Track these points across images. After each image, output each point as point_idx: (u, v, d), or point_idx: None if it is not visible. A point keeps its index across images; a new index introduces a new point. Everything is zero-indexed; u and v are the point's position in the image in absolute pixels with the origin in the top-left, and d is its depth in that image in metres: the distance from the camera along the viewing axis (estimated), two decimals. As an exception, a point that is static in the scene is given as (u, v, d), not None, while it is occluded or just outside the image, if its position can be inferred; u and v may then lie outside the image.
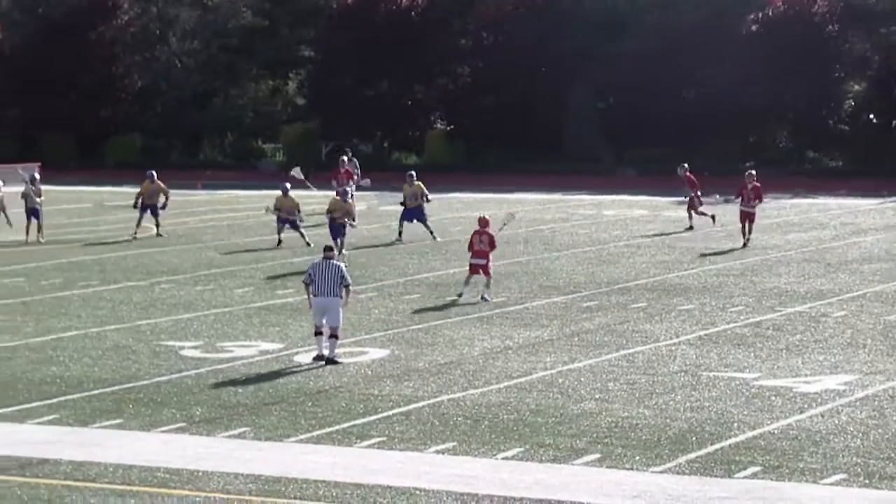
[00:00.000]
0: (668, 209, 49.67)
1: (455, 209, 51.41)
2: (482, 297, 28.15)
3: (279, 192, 38.94)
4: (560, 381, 20.45)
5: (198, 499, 14.72)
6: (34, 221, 39.69)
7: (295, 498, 14.73)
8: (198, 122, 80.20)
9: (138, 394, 19.72)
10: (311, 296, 22.12)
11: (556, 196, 56.46)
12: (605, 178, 63.82)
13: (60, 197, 52.45)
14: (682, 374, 20.91)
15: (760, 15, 70.11)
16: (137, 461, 16.13)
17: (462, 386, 20.13)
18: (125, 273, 32.85)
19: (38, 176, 40.67)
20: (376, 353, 22.62)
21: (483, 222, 29.42)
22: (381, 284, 30.78)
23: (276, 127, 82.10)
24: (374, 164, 75.03)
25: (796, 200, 53.09)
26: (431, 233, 39.76)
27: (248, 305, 27.79)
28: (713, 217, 41.96)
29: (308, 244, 37.28)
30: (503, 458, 16.29)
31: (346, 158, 47.15)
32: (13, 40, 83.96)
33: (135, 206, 41.15)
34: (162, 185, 41.49)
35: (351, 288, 22.51)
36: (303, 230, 38.26)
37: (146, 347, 23.29)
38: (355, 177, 46.79)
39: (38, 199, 39.71)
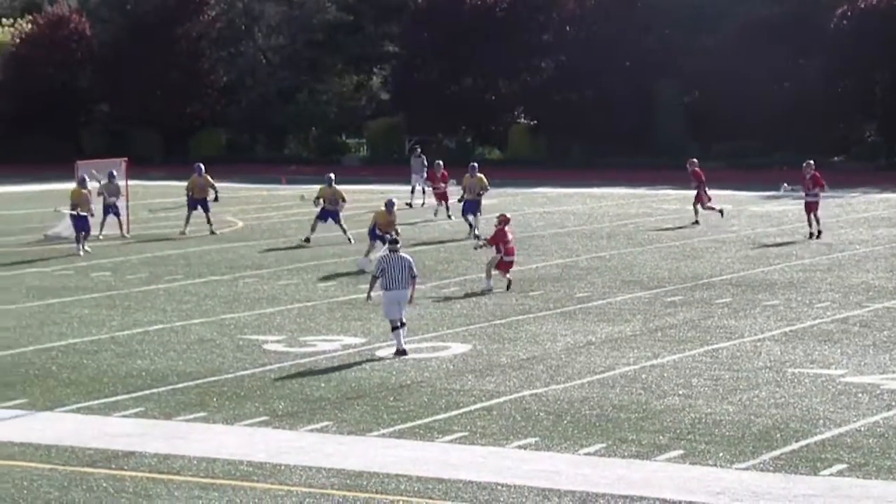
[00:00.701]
0: (753, 204, 49.30)
1: (539, 204, 51.31)
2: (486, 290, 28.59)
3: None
4: (643, 376, 20.33)
5: (280, 492, 14.77)
6: (112, 218, 39.87)
7: (377, 492, 14.74)
8: (282, 117, 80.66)
9: (222, 387, 19.83)
10: (382, 290, 22.16)
11: (640, 191, 56.19)
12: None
13: (146, 192, 52.95)
14: (767, 370, 20.71)
15: (850, 8, 69.27)
16: (221, 454, 16.22)
17: (544, 381, 20.07)
18: (210, 267, 33.08)
19: (115, 173, 40.77)
20: (458, 348, 22.60)
21: (506, 220, 29.70)
22: (463, 279, 30.76)
23: (359, 122, 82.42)
24: (457, 159, 75.19)
25: (885, 195, 52.47)
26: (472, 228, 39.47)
27: (331, 300, 27.87)
28: (721, 211, 41.99)
29: (349, 240, 37.17)
30: (585, 454, 16.21)
31: (440, 162, 47.07)
32: (102, 38, 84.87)
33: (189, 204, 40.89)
34: (209, 178, 41.01)
35: (417, 280, 22.55)
36: (344, 225, 38.03)
37: (230, 341, 23.42)
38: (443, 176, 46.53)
39: (112, 198, 39.83)
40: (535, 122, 77.86)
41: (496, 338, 23.53)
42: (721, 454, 16.09)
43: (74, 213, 36.91)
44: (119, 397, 19.30)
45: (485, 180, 40.86)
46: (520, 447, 16.52)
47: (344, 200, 38.51)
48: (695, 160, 43.15)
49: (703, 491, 14.75)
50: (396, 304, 22.03)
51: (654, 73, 71.64)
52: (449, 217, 44.03)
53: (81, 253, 35.76)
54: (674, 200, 51.03)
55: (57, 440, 16.93)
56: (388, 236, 30.50)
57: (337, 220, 38.07)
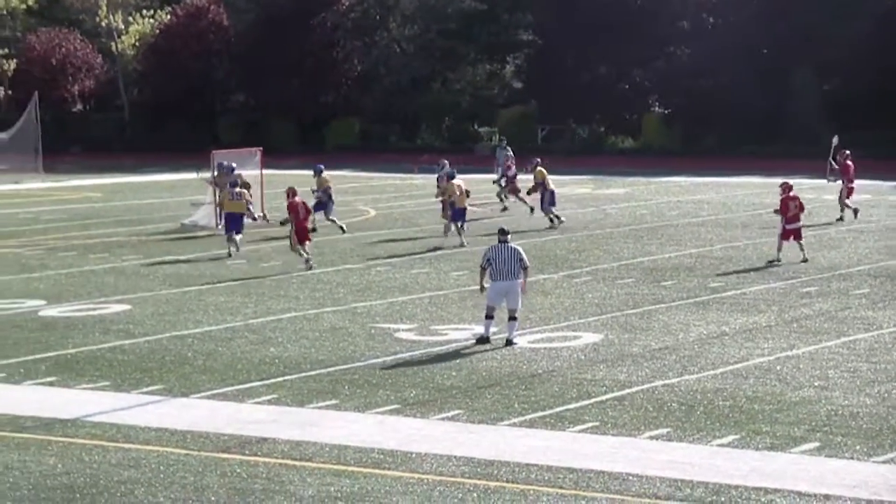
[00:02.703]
0: (892, 194, 48.41)
1: (673, 193, 50.89)
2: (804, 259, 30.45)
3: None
4: (777, 367, 20.05)
5: (411, 480, 14.80)
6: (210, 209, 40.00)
7: (508, 481, 14.71)
8: (415, 106, 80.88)
9: (353, 375, 19.93)
10: (490, 280, 22.12)
11: (776, 179, 55.35)
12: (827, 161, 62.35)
13: (281, 180, 53.38)
14: (906, 362, 20.32)
15: None
16: (352, 442, 16.30)
17: (677, 371, 19.88)
18: (342, 256, 33.27)
19: (234, 165, 40.76)
20: (590, 338, 22.47)
21: (788, 188, 31.67)
22: (595, 268, 30.60)
23: (492, 110, 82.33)
24: (589, 148, 74.88)
25: None
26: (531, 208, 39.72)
27: (462, 289, 27.87)
28: (856, 211, 39.83)
29: (342, 230, 37.63)
30: (718, 445, 16.02)
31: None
32: (238, 28, 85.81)
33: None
34: (325, 179, 40.29)
35: (529, 269, 22.45)
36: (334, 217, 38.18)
37: (361, 329, 23.53)
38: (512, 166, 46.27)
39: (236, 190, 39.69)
40: (669, 110, 77.20)
41: (628, 327, 23.37)
42: (858, 447, 15.81)
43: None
44: (253, 384, 19.49)
45: (545, 173, 40.55)
46: (651, 438, 16.38)
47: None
48: (847, 152, 42.26)
49: (840, 484, 14.50)
50: (502, 295, 21.96)
51: (791, 61, 70.60)
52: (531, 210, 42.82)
53: (233, 249, 34.43)
54: (809, 189, 50.28)
55: (192, 426, 17.14)
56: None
57: (323, 208, 38.49)
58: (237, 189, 36.16)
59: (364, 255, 33.54)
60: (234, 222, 35.18)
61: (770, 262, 30.71)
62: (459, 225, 35.74)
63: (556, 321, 24.04)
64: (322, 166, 40.12)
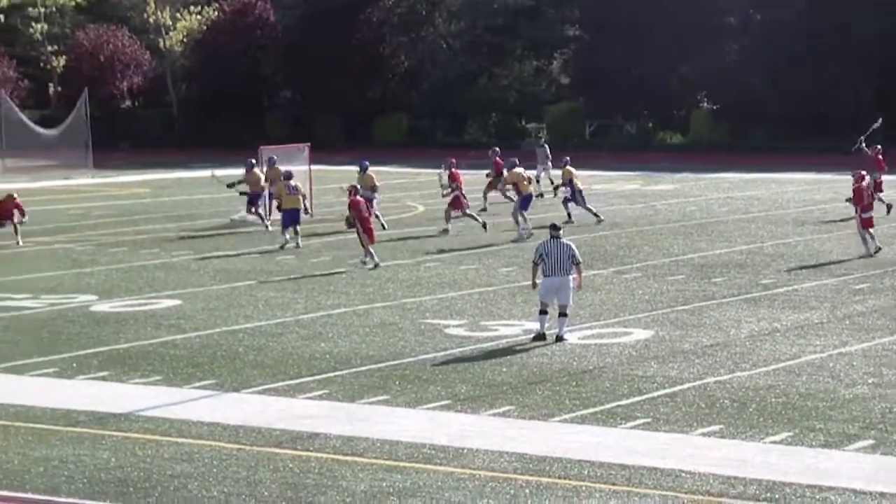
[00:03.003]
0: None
1: (722, 189, 50.70)
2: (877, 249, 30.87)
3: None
4: (830, 364, 19.92)
5: (463, 476, 14.79)
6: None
7: (559, 478, 14.68)
8: (462, 101, 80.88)
9: (404, 371, 19.93)
10: (542, 276, 22.06)
11: (827, 176, 55.10)
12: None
13: (329, 176, 53.51)
14: (960, 359, 20.15)
15: None
16: (403, 437, 16.30)
17: (728, 368, 19.79)
18: (391, 251, 33.29)
19: (275, 157, 40.85)
20: (640, 334, 22.41)
21: (861, 177, 31.82)
22: (645, 265, 30.51)
23: (539, 106, 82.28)
24: (638, 143, 74.69)
25: None
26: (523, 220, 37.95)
27: (512, 285, 27.85)
28: (889, 207, 39.54)
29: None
30: (771, 442, 15.93)
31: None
32: (285, 23, 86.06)
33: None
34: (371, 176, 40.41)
35: (581, 265, 22.38)
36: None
37: (412, 325, 23.54)
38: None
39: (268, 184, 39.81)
40: (718, 106, 76.89)
41: (679, 324, 23.28)
42: (913, 445, 15.69)
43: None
44: (303, 379, 19.52)
45: (573, 172, 40.44)
46: (704, 434, 16.31)
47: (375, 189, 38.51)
48: (879, 146, 42.14)
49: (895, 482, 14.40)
50: (554, 291, 21.91)
51: (837, 57, 70.13)
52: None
53: (291, 245, 34.68)
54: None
55: (244, 420, 17.19)
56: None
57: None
58: (293, 183, 36.23)
59: (413, 251, 33.55)
60: (290, 217, 35.30)
61: (867, 255, 30.70)
62: (524, 212, 35.82)
63: (607, 317, 23.99)
64: (367, 163, 40.13)
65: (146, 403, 18.17)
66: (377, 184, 39.44)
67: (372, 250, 30.62)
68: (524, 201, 36.52)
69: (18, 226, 36.53)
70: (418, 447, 15.90)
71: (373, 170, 40.02)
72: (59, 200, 50.85)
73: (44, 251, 35.22)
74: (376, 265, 30.28)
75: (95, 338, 22.81)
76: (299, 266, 31.37)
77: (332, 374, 19.78)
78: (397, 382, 19.18)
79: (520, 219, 35.92)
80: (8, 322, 24.44)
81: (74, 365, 20.68)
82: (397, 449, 15.85)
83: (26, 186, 59.15)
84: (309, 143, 45.06)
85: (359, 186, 36.60)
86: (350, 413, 17.58)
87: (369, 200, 37.81)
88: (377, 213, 38.81)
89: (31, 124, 70.81)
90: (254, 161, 40.58)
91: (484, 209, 41.76)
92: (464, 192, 38.47)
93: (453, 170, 39.63)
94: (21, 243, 35.87)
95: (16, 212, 36.72)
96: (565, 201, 40.03)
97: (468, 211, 38.37)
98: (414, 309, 25.20)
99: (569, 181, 39.99)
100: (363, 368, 20.15)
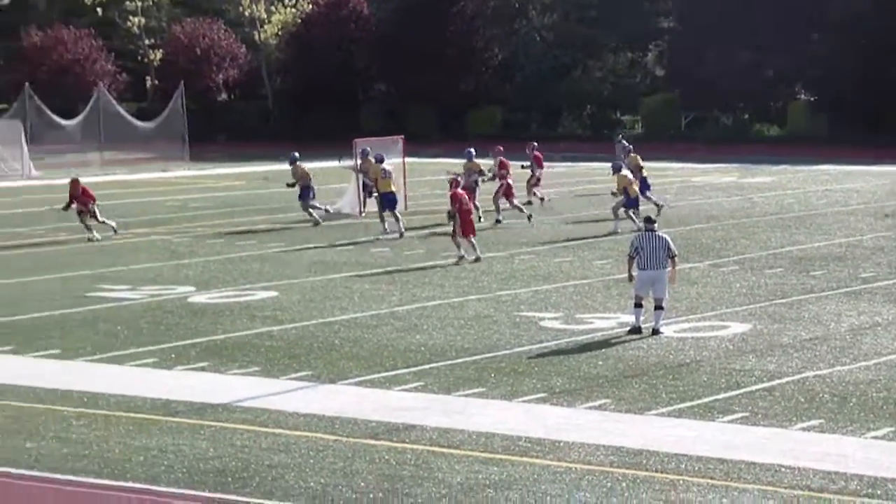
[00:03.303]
0: None
1: (821, 182, 50.16)
2: None
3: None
4: (933, 359, 19.64)
5: (559, 468, 14.74)
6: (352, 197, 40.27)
7: (656, 471, 14.58)
8: (556, 94, 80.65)
9: (500, 363, 19.90)
10: (638, 269, 21.92)
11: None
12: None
13: (423, 168, 53.63)
14: None
15: None
16: (500, 430, 16.27)
17: (828, 362, 19.55)
18: (486, 244, 33.24)
19: (368, 149, 40.91)
20: (738, 328, 22.20)
21: None
22: (742, 258, 30.24)
23: (634, 98, 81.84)
24: (734, 136, 74.06)
25: None
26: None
27: (607, 277, 27.72)
28: None
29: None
30: (873, 437, 15.72)
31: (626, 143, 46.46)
32: (380, 16, 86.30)
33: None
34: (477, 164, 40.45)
35: (677, 258, 22.20)
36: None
37: (506, 318, 23.50)
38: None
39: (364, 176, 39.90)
40: (815, 98, 76.05)
41: (777, 317, 23.05)
42: None
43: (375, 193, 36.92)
44: (399, 371, 19.55)
45: (639, 160, 40.12)
46: (803, 429, 16.12)
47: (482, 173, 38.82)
48: None
49: None
50: (649, 284, 21.76)
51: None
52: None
53: (393, 233, 35.21)
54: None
55: (340, 412, 17.24)
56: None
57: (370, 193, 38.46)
58: (387, 167, 36.55)
59: (507, 244, 33.51)
60: (388, 201, 35.56)
61: None
62: (633, 212, 35.56)
63: (703, 310, 23.80)
64: (473, 150, 40.16)
65: (243, 394, 18.29)
66: (484, 169, 39.66)
67: (474, 241, 30.48)
68: (632, 202, 36.04)
69: (91, 213, 36.27)
70: (514, 440, 15.86)
71: (462, 162, 40.08)
72: (157, 192, 51.38)
73: (142, 243, 35.60)
74: (477, 258, 30.21)
75: (193, 328, 23.00)
76: (394, 258, 31.44)
77: (427, 366, 19.80)
78: (493, 375, 19.16)
79: (621, 215, 35.58)
80: (108, 313, 24.72)
81: (173, 355, 20.87)
82: (493, 441, 15.82)
83: (124, 178, 59.90)
84: (403, 136, 45.13)
85: (459, 178, 36.50)
86: (446, 405, 17.58)
87: (472, 189, 37.89)
88: (476, 203, 38.82)
89: (129, 117, 71.59)
90: (297, 154, 40.48)
91: (529, 202, 41.66)
92: (511, 182, 38.76)
93: (502, 158, 39.75)
94: (98, 237, 35.96)
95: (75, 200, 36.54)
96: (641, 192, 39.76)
97: (515, 202, 38.51)
98: (509, 301, 25.16)
99: (637, 168, 39.84)
100: (458, 361, 20.15)
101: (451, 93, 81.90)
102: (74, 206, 36.54)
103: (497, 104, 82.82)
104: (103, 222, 36.51)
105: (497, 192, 38.96)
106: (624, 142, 48.82)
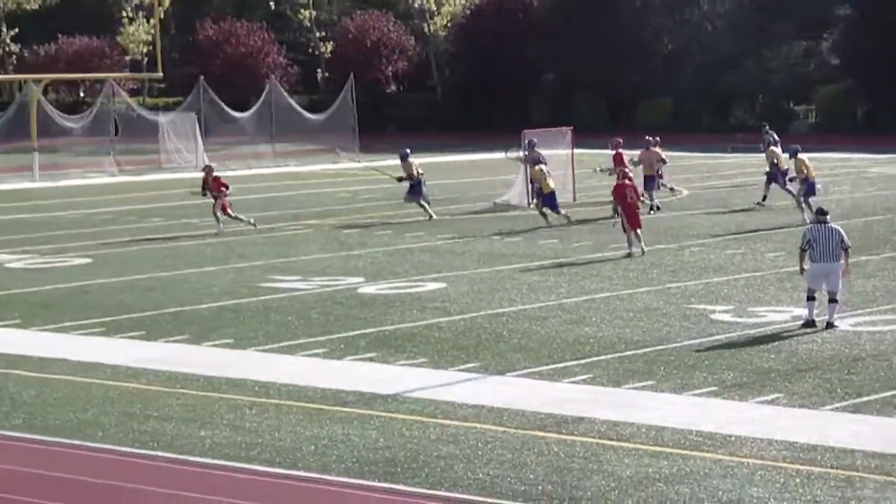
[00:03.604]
0: None
1: None
2: None
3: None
4: None
5: (731, 463, 14.53)
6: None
7: (832, 467, 14.28)
8: (728, 84, 79.64)
9: (669, 356, 19.70)
10: (811, 261, 21.49)
11: None
12: None
13: (591, 159, 53.36)
14: None
15: None
16: (669, 423, 16.09)
17: None
18: (655, 236, 32.96)
19: (534, 139, 40.82)
20: (916, 321, 21.70)
21: None
22: (919, 250, 29.56)
23: (808, 88, 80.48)
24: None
25: None
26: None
27: (780, 270, 27.28)
28: None
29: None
30: None
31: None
32: (548, 7, 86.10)
33: None
34: (658, 151, 40.08)
35: (850, 250, 21.71)
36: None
37: (676, 310, 23.26)
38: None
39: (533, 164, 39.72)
40: None
41: (956, 311, 22.47)
42: None
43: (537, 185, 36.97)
44: (567, 363, 19.46)
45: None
46: (982, 427, 15.68)
47: (665, 162, 38.73)
48: None
49: None
50: (822, 277, 21.33)
51: None
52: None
53: (561, 219, 35.62)
54: None
55: (508, 403, 17.21)
56: None
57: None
58: (545, 168, 36.60)
59: (677, 235, 33.19)
60: (549, 201, 35.62)
61: None
62: (806, 200, 34.99)
63: (880, 303, 23.29)
64: (651, 138, 40.12)
65: (412, 385, 18.37)
66: (664, 157, 39.48)
67: (639, 234, 30.22)
68: (810, 187, 35.55)
69: (222, 205, 36.35)
70: (685, 433, 15.68)
71: (634, 153, 39.82)
72: (327, 184, 51.93)
73: (312, 234, 36.00)
74: (642, 251, 29.97)
75: (363, 319, 23.17)
76: (563, 250, 31.33)
77: (596, 359, 19.68)
78: (662, 368, 18.97)
79: (803, 205, 35.01)
80: (280, 303, 25.03)
81: (342, 346, 21.04)
82: (663, 435, 15.66)
83: (295, 170, 60.71)
84: (571, 126, 44.95)
85: (627, 168, 36.28)
86: (614, 397, 17.45)
87: (653, 177, 37.78)
88: (657, 187, 38.63)
89: (300, 109, 72.46)
90: (408, 151, 40.36)
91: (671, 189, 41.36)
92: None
93: (620, 150, 39.38)
94: (222, 229, 36.24)
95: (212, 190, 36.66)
96: (769, 181, 39.06)
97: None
98: (679, 294, 24.90)
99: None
100: (627, 353, 19.99)
101: (620, 83, 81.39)
102: (209, 195, 36.69)
103: (667, 94, 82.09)
104: (236, 217, 36.65)
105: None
106: (773, 134, 47.75)
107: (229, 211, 36.38)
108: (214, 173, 37.34)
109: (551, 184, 36.18)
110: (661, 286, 25.81)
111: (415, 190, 39.07)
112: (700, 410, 16.74)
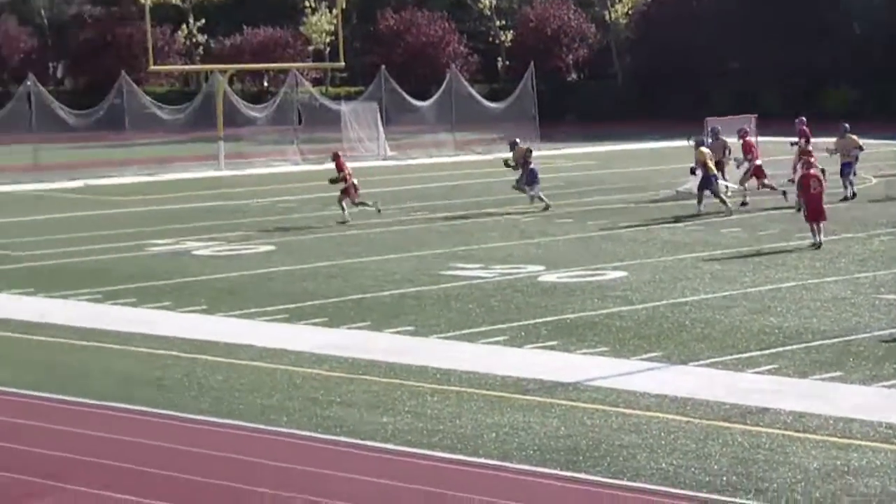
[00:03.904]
0: None
1: None
2: None
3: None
4: None
5: (921, 458, 14.16)
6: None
7: None
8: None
9: (858, 347, 19.26)
10: None
11: None
12: None
13: (776, 148, 52.51)
14: None
15: None
16: (858, 415, 15.72)
17: None
18: (843, 225, 32.28)
19: (719, 128, 40.24)
20: None
21: None
22: None
23: None
24: None
25: None
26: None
27: (973, 259, 26.53)
28: None
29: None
30: None
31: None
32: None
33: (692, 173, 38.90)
34: (855, 139, 39.25)
35: None
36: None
37: (865, 300, 22.74)
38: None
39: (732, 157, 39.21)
40: None
41: None
42: None
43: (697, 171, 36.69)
44: (751, 353, 19.15)
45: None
46: None
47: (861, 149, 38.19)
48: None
49: None
50: None
51: None
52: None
53: (700, 209, 35.46)
54: None
55: (691, 393, 17.00)
56: None
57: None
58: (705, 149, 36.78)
59: (865, 224, 32.47)
60: (707, 181, 35.61)
61: None
62: None
63: None
64: (847, 125, 39.32)
65: (594, 373, 18.24)
66: (860, 144, 39.07)
67: (821, 226, 29.52)
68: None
69: (349, 192, 36.55)
70: (874, 425, 15.31)
71: (822, 141, 39.06)
72: (507, 172, 51.82)
73: (492, 223, 36.02)
74: (819, 244, 29.22)
75: (543, 307, 23.09)
76: (747, 239, 30.87)
77: (781, 349, 19.33)
78: (851, 359, 18.56)
79: None
80: (461, 291, 25.08)
81: (523, 334, 21.00)
82: (852, 427, 15.31)
83: (476, 159, 60.83)
84: (755, 115, 44.26)
85: (814, 157, 35.40)
86: (800, 388, 17.12)
87: (849, 164, 37.19)
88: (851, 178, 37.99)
89: (480, 98, 72.60)
90: (518, 140, 39.91)
91: (791, 180, 40.04)
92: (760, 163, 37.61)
93: (748, 139, 38.44)
94: (350, 220, 36.29)
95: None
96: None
97: (767, 182, 37.75)
98: (867, 284, 24.34)
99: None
100: (814, 343, 19.60)
101: (804, 71, 79.95)
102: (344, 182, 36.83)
103: (850, 83, 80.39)
104: (363, 203, 36.79)
105: (745, 174, 37.89)
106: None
107: (355, 199, 36.68)
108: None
109: (713, 167, 36.01)
110: (850, 276, 25.27)
111: (528, 180, 38.75)
112: (890, 402, 16.36)
